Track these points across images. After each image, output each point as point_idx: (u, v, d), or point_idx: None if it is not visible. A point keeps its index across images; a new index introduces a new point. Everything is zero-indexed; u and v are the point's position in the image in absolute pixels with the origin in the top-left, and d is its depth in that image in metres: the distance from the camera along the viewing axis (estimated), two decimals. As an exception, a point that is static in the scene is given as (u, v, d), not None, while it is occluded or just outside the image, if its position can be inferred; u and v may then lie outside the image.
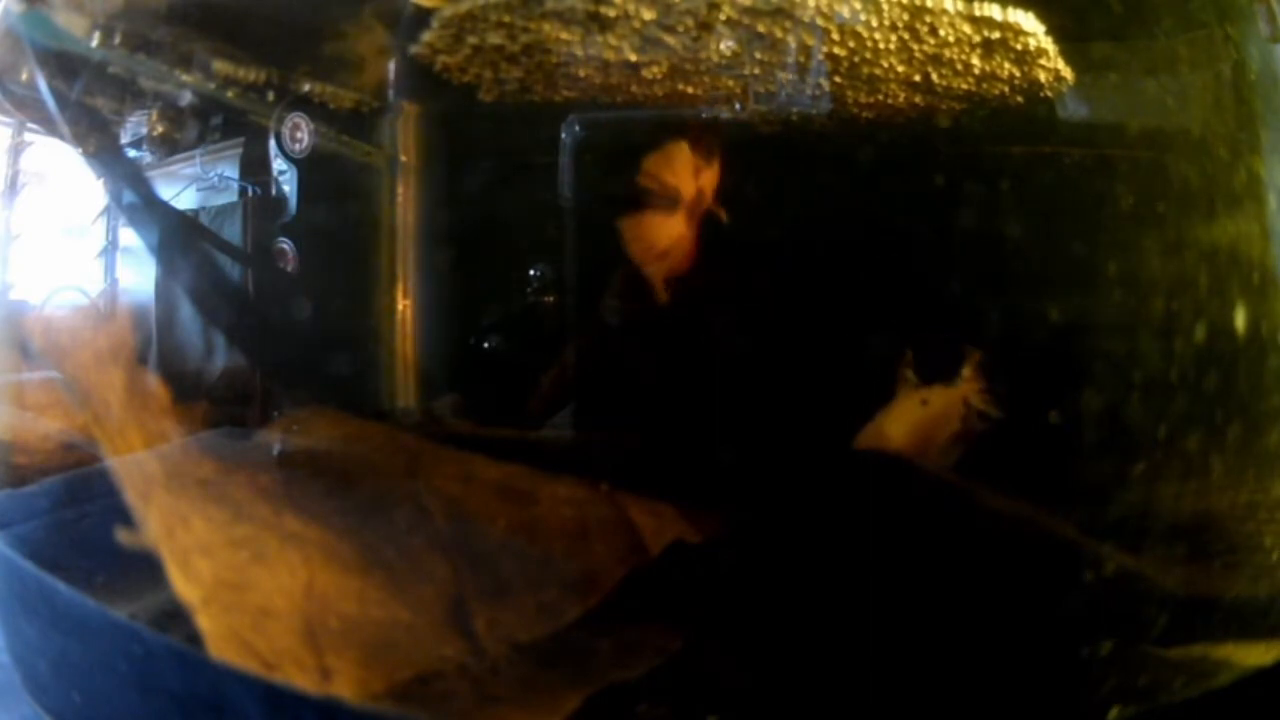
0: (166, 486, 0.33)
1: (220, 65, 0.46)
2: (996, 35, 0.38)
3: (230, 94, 0.46)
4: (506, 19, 0.38)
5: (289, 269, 0.46)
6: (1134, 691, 0.30)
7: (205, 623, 0.28)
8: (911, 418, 0.39)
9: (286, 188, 0.46)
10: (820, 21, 0.36)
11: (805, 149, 0.40)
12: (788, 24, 0.36)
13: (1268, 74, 0.42)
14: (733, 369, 0.39)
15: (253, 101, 0.46)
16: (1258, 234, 0.41)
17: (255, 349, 0.49)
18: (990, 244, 0.38)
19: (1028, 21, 0.38)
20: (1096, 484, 0.36)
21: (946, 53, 0.38)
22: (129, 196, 0.50)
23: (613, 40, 0.37)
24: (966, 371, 0.39)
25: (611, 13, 0.37)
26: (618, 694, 0.30)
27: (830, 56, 0.37)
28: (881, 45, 0.37)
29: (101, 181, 0.50)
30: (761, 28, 0.37)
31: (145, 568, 0.30)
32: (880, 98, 0.40)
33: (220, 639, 0.28)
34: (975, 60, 0.39)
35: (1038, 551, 0.35)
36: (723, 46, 0.37)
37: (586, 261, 0.41)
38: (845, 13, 0.36)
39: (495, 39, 0.38)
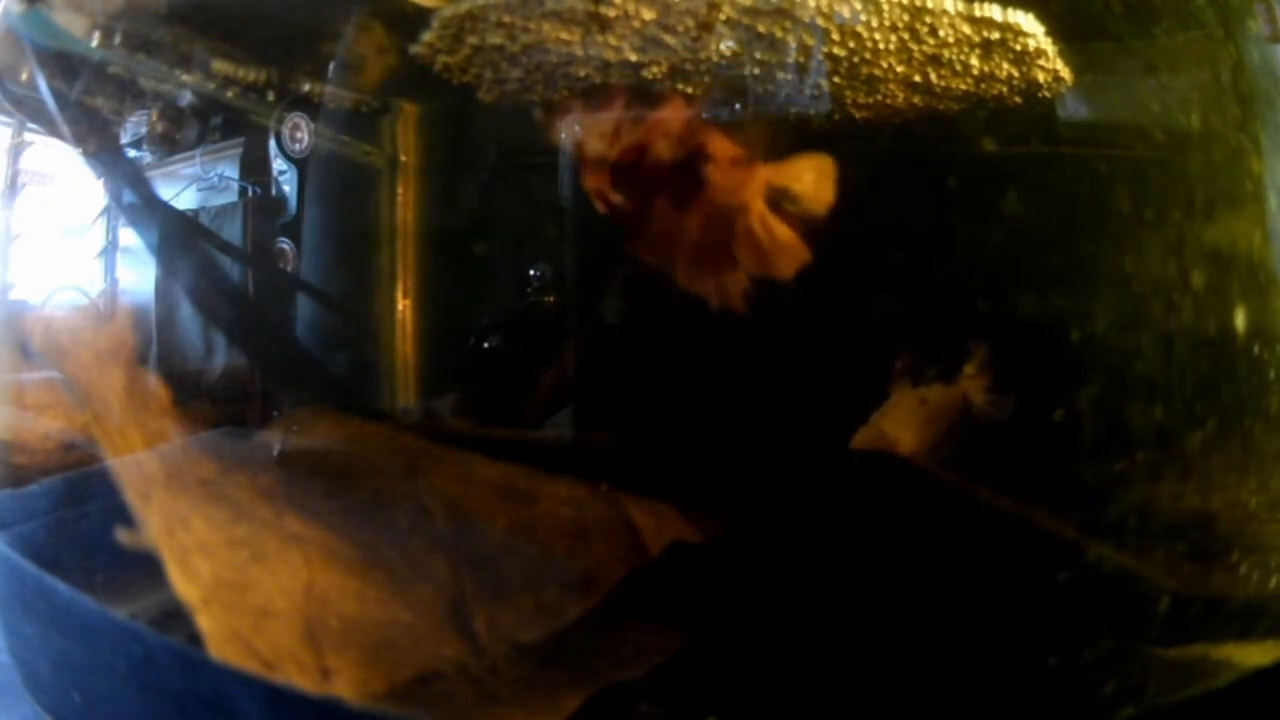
0: (166, 486, 0.33)
1: (220, 65, 0.46)
2: (996, 36, 0.38)
3: (230, 94, 0.46)
4: (506, 19, 0.38)
5: (289, 269, 0.46)
6: (1134, 691, 0.30)
7: (205, 623, 0.28)
8: (911, 417, 0.39)
9: (286, 188, 0.46)
10: (820, 21, 0.37)
11: (804, 148, 0.40)
12: (788, 24, 0.36)
13: (1268, 74, 0.42)
14: (733, 369, 0.39)
15: (253, 101, 0.46)
16: (1258, 234, 0.41)
17: (255, 349, 0.49)
18: (987, 243, 0.38)
19: (1027, 22, 0.38)
20: (1095, 483, 0.36)
21: (946, 53, 0.38)
22: (129, 196, 0.50)
23: (613, 40, 0.38)
24: (970, 369, 0.39)
25: (611, 13, 0.37)
26: (618, 694, 0.30)
27: (830, 56, 0.37)
28: (881, 45, 0.37)
29: (101, 181, 0.50)
30: (761, 28, 0.37)
31: (145, 568, 0.30)
32: (879, 98, 0.40)
33: (220, 639, 0.28)
34: (974, 61, 0.39)
35: (1037, 551, 0.35)
36: (723, 46, 0.37)
37: (587, 261, 0.41)
38: (845, 13, 0.36)
39: (495, 39, 0.38)
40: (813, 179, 0.38)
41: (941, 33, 0.37)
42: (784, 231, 0.37)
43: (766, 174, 0.38)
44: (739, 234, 0.38)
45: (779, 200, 0.38)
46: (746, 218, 0.38)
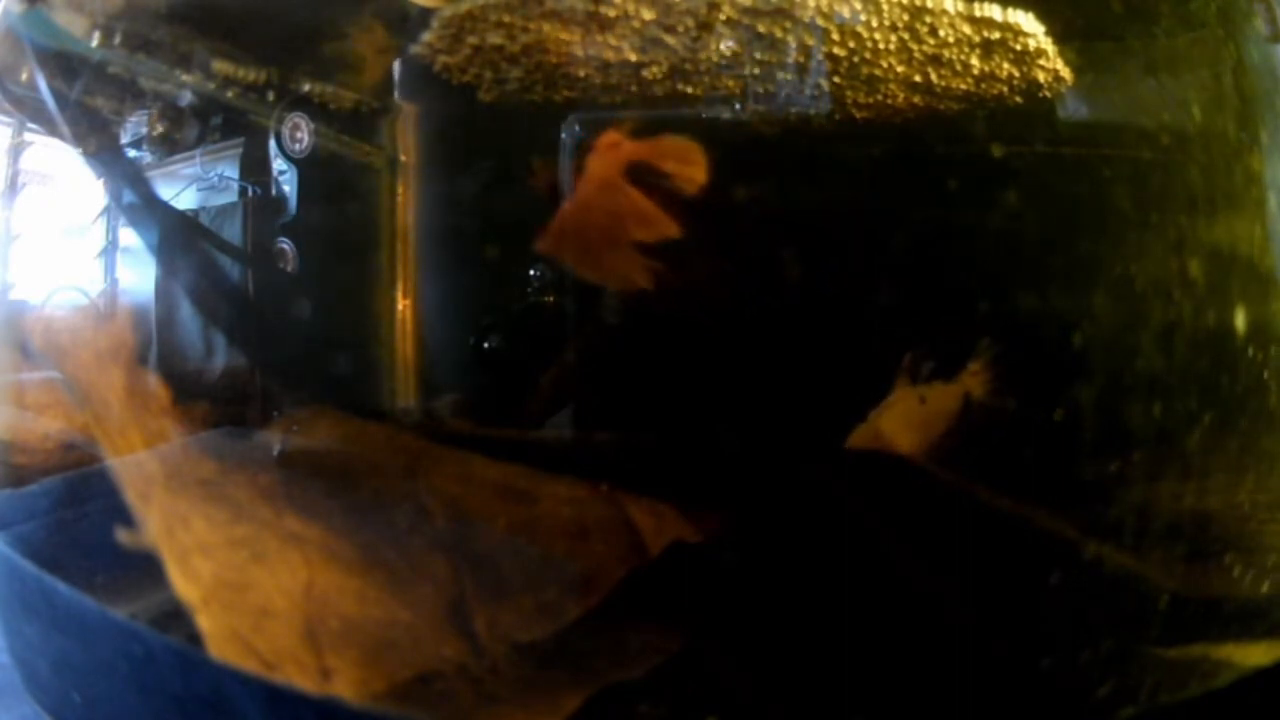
0: (166, 486, 0.33)
1: (220, 65, 0.46)
2: (996, 36, 0.38)
3: (230, 94, 0.46)
4: (506, 19, 0.38)
5: (289, 269, 0.46)
6: (1134, 691, 0.30)
7: (205, 623, 0.28)
8: (910, 416, 0.38)
9: (286, 188, 0.46)
10: (820, 21, 0.37)
11: (803, 148, 0.40)
12: (788, 24, 0.36)
13: (1268, 74, 0.42)
14: (733, 369, 0.39)
15: (253, 101, 0.46)
16: (1258, 234, 0.41)
17: (255, 349, 0.49)
18: (987, 243, 0.38)
19: (1027, 22, 0.38)
20: (1095, 482, 0.36)
21: (946, 53, 0.38)
22: (129, 196, 0.50)
23: (613, 40, 0.38)
24: (975, 366, 0.38)
25: (611, 13, 0.37)
26: (618, 694, 0.30)
27: (830, 56, 0.37)
28: (881, 45, 0.37)
29: (101, 181, 0.50)
30: (761, 28, 0.37)
31: (145, 568, 0.30)
32: (879, 98, 0.40)
33: (220, 639, 0.28)
34: (975, 61, 0.39)
35: (1037, 551, 0.35)
36: (723, 46, 0.37)
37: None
38: (845, 13, 0.36)
39: (495, 39, 0.38)
40: (676, 151, 0.38)
41: (942, 33, 0.37)
42: (642, 200, 0.37)
43: (628, 150, 0.38)
44: (612, 211, 0.38)
45: (643, 175, 0.38)
46: (608, 193, 0.38)
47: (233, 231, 0.48)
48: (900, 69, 0.38)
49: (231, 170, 0.48)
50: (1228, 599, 0.35)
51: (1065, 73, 0.39)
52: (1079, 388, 0.36)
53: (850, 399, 0.39)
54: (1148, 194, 0.39)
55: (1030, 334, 0.38)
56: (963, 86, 0.40)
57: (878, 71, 0.38)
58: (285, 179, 0.46)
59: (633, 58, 0.38)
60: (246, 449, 0.41)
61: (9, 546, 0.38)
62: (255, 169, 0.47)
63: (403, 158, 0.45)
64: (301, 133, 0.45)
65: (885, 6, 0.37)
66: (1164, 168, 0.40)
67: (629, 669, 0.31)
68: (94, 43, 0.46)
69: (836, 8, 0.36)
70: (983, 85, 0.40)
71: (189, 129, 0.48)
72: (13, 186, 0.52)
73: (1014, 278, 0.38)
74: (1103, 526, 0.35)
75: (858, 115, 0.40)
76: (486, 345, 0.43)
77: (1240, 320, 0.38)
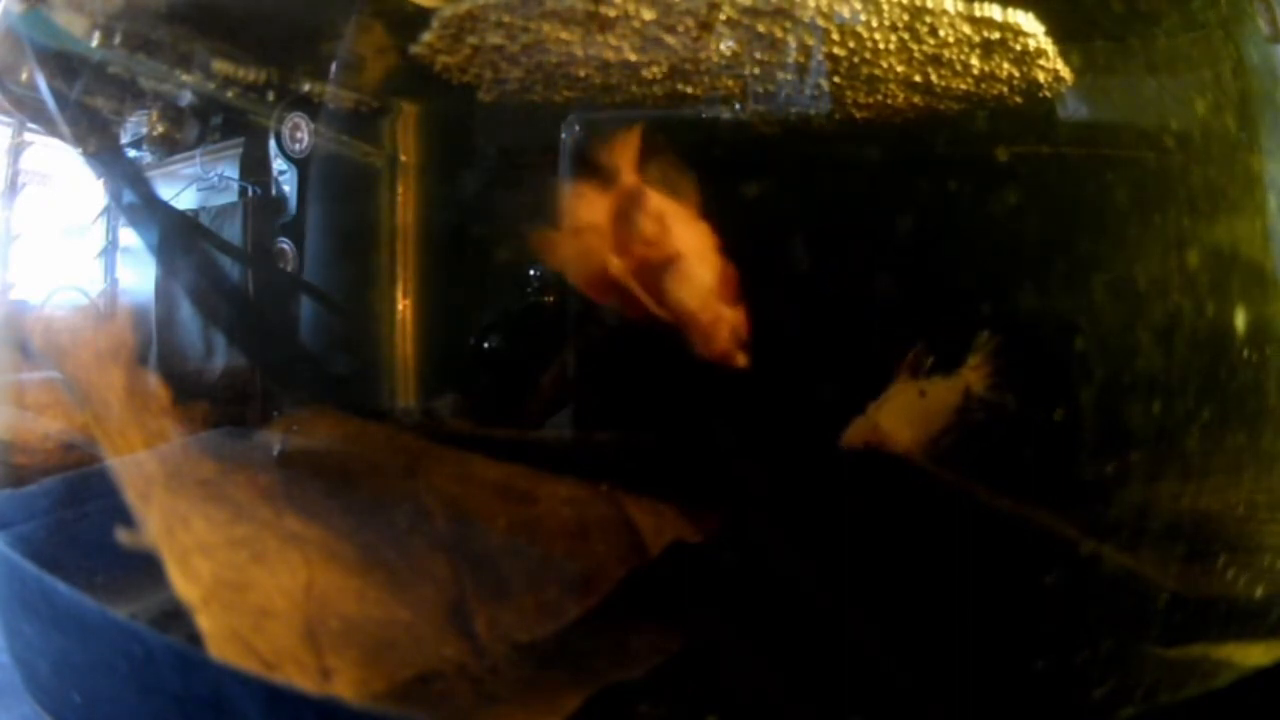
0: (166, 486, 0.33)
1: (220, 65, 0.46)
2: (996, 36, 0.38)
3: (230, 94, 0.46)
4: (506, 19, 0.38)
5: (289, 269, 0.46)
6: (1134, 691, 0.30)
7: (205, 623, 0.28)
8: (909, 411, 0.38)
9: (286, 188, 0.46)
10: (820, 21, 0.37)
11: (802, 147, 0.40)
12: (788, 24, 0.36)
13: (1268, 74, 0.42)
14: (733, 368, 0.39)
15: (253, 101, 0.46)
16: (1258, 234, 0.41)
17: (255, 349, 0.49)
18: (987, 241, 0.38)
19: (1027, 22, 0.38)
20: (1094, 482, 0.36)
21: (946, 53, 0.38)
22: (129, 196, 0.51)
23: (613, 40, 0.38)
24: (974, 360, 0.38)
25: (611, 13, 0.37)
26: (618, 694, 0.30)
27: (830, 56, 0.37)
28: (881, 45, 0.37)
29: (101, 181, 0.50)
30: (761, 28, 0.37)
31: (145, 568, 0.30)
32: (879, 98, 0.40)
33: (220, 639, 0.28)
34: (975, 61, 0.39)
35: (1037, 551, 0.35)
36: (723, 46, 0.37)
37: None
38: (845, 13, 0.37)
39: (495, 39, 0.38)
40: (622, 148, 0.38)
41: (942, 33, 0.37)
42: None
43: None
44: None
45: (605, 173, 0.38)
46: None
47: (233, 231, 0.48)
48: (900, 69, 0.38)
49: (231, 170, 0.48)
50: (1227, 599, 0.35)
51: (1065, 73, 0.39)
52: (1079, 386, 0.36)
53: (850, 398, 0.39)
54: (1147, 194, 0.39)
55: (1030, 332, 0.38)
56: (963, 86, 0.40)
57: (878, 71, 0.38)
58: (285, 179, 0.46)
59: (633, 58, 0.38)
60: (246, 449, 0.41)
61: (9, 546, 0.38)
62: (255, 169, 0.47)
63: (403, 158, 0.45)
64: (301, 133, 0.45)
65: (885, 6, 0.37)
66: (1164, 168, 0.40)
67: (629, 669, 0.31)
68: (94, 43, 0.46)
69: (836, 8, 0.36)
70: (983, 85, 0.40)
71: (189, 129, 0.48)
72: (13, 186, 0.52)
73: (1012, 276, 0.38)
74: (1102, 526, 0.35)
75: (858, 115, 0.40)
76: (486, 345, 0.43)
77: (1240, 320, 0.38)
